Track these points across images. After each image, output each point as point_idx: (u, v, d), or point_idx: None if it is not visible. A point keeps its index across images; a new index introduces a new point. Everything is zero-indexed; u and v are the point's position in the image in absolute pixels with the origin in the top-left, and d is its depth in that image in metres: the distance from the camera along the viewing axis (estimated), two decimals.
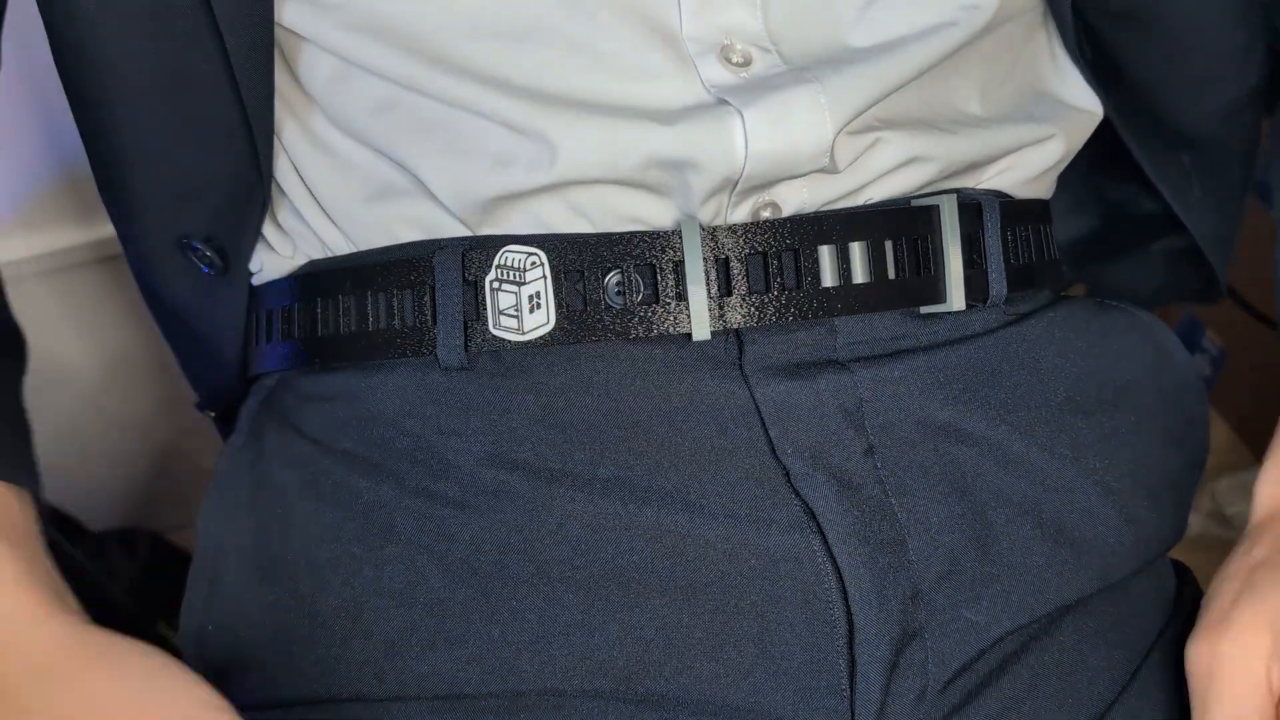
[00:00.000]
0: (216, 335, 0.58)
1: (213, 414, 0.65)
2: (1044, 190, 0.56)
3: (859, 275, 0.47)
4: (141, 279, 0.59)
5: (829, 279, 0.47)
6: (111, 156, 0.53)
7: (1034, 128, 0.52)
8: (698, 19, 0.45)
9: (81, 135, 0.54)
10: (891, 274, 0.47)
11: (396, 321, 0.49)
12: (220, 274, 0.54)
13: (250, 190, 0.51)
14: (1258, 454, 1.15)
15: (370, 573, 0.48)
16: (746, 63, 0.46)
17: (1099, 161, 0.62)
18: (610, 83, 0.45)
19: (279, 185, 0.52)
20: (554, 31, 0.45)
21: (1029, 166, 0.52)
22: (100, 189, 0.56)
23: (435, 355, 0.48)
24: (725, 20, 0.46)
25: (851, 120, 0.45)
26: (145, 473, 1.15)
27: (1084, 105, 0.54)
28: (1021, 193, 0.53)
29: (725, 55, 0.46)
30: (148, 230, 0.55)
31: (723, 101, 0.45)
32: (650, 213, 0.47)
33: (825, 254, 0.47)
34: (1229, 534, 1.09)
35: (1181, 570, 0.57)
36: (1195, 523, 1.08)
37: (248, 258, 0.54)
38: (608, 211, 0.47)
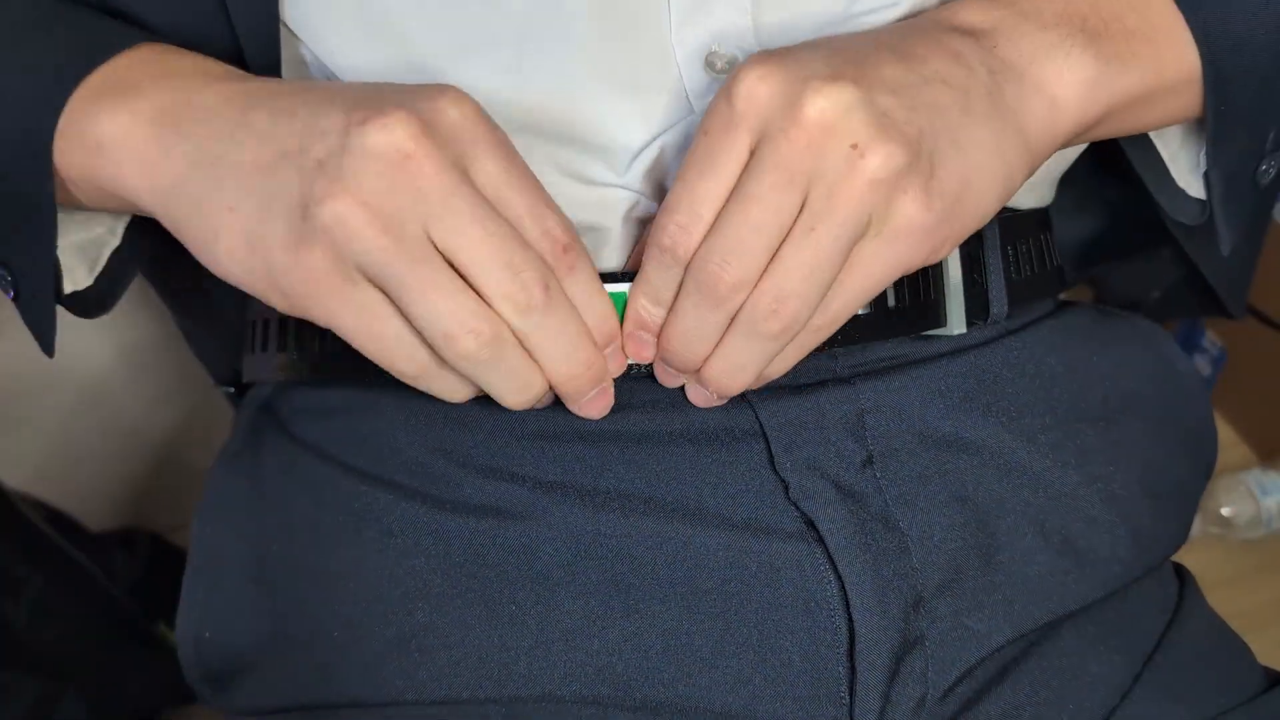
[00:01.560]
0: (220, 291, 0.58)
1: (231, 389, 0.65)
2: (1043, 197, 0.55)
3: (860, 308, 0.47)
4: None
5: None
6: None
7: None
8: (688, 22, 0.44)
9: None
10: (891, 303, 0.47)
11: None
12: None
13: None
14: (1258, 454, 1.15)
15: (369, 578, 0.48)
16: (730, 67, 0.46)
17: (1101, 163, 0.61)
18: (596, 102, 0.44)
19: None
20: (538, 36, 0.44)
21: None
22: None
23: None
24: (714, 23, 0.44)
25: None
26: (145, 473, 1.15)
27: None
28: (1020, 202, 0.53)
29: (710, 62, 0.45)
30: None
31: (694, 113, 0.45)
32: None
33: None
34: (1228, 534, 1.09)
35: (1182, 573, 0.57)
36: (1195, 523, 1.08)
37: None
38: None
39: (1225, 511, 1.09)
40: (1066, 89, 0.43)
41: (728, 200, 0.40)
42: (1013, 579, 0.48)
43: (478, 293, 0.39)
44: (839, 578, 0.45)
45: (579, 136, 0.45)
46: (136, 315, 1.06)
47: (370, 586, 0.48)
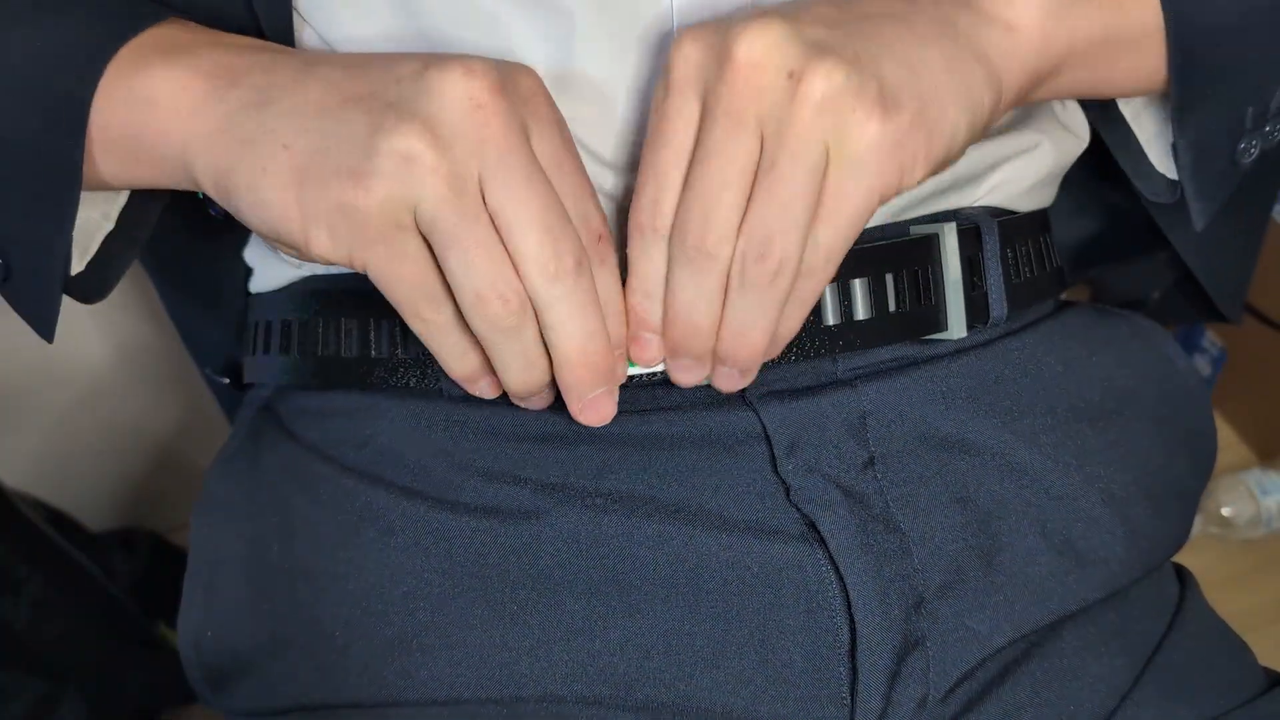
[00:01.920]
0: (217, 279, 0.58)
1: (226, 380, 0.65)
2: (1043, 200, 0.55)
3: (860, 311, 0.46)
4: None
5: (831, 317, 0.46)
6: None
7: (1019, 136, 0.51)
8: (690, 8, 0.44)
9: None
10: (892, 306, 0.47)
11: (400, 351, 0.48)
12: (224, 219, 0.54)
13: None
14: (1258, 454, 1.15)
15: (370, 578, 0.48)
16: None
17: (1099, 167, 0.61)
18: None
19: None
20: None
21: (1022, 179, 0.52)
22: None
23: (439, 387, 0.48)
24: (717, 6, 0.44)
25: None
26: (145, 473, 1.15)
27: (1071, 126, 0.54)
28: (1020, 205, 0.53)
29: None
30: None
31: None
32: None
33: (827, 292, 0.46)
34: (1228, 534, 1.09)
35: (1183, 574, 0.57)
36: (1195, 523, 1.08)
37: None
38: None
39: (1225, 511, 1.09)
40: (1022, 14, 0.42)
41: (690, 164, 0.40)
42: (1014, 579, 0.48)
43: (511, 255, 0.39)
44: (840, 579, 0.45)
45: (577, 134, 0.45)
46: (136, 315, 1.06)
47: (370, 586, 0.48)
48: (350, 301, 0.50)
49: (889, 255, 0.47)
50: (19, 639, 0.86)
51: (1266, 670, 0.54)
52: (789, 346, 0.46)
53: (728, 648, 0.46)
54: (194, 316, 0.64)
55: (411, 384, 0.48)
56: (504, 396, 0.46)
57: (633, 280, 0.42)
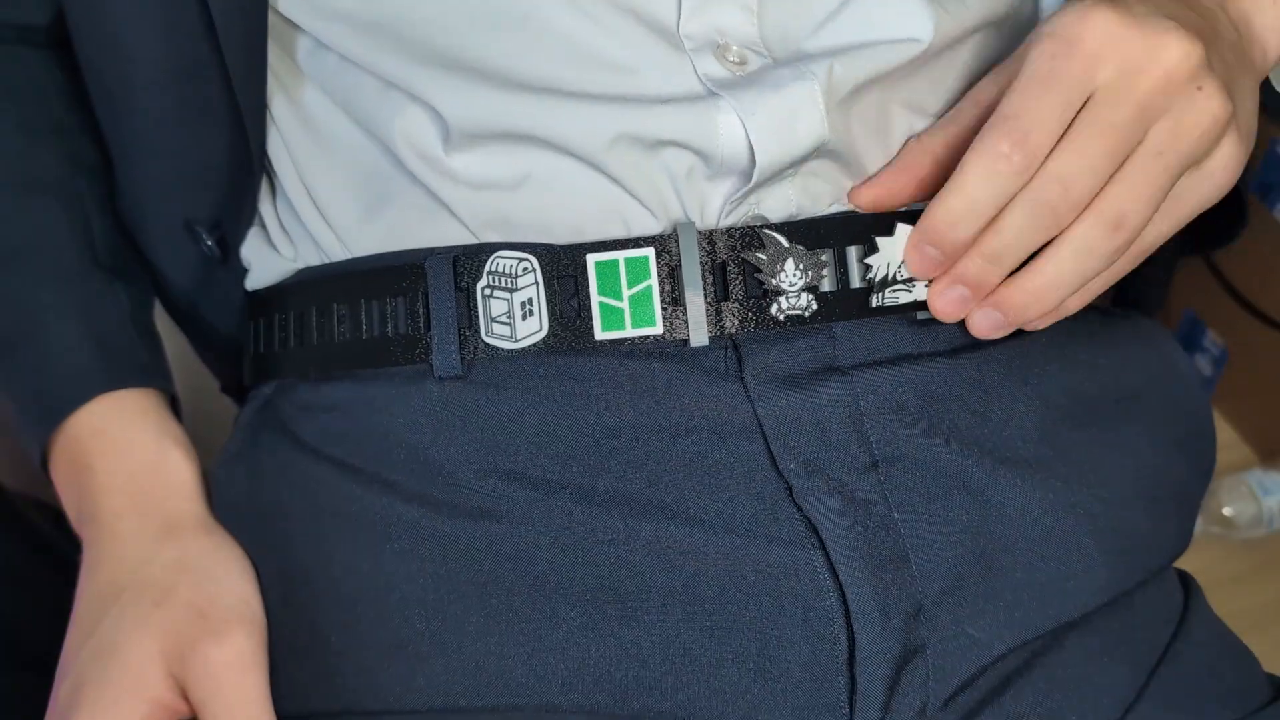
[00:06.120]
0: (216, 319, 0.59)
1: (237, 398, 0.65)
2: None
3: (856, 280, 0.46)
4: (145, 265, 0.60)
5: (826, 284, 0.46)
6: (128, 140, 0.54)
7: None
8: (696, 16, 0.45)
9: (100, 121, 0.55)
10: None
11: (390, 329, 0.48)
12: (219, 263, 0.55)
13: (244, 178, 0.51)
14: (1259, 454, 1.15)
15: (366, 582, 0.47)
16: (742, 62, 0.46)
17: None
18: (604, 76, 0.45)
19: (280, 183, 0.52)
20: (549, 24, 0.44)
21: None
22: (114, 173, 0.57)
23: (430, 363, 0.47)
24: (721, 20, 0.45)
25: (847, 96, 0.46)
26: None
27: None
28: None
29: (721, 54, 0.45)
30: (158, 213, 0.55)
31: (714, 94, 0.45)
32: (641, 217, 0.46)
33: (822, 258, 0.46)
34: (1229, 534, 1.09)
35: (1187, 581, 0.57)
36: (1196, 523, 1.08)
37: (240, 246, 0.55)
38: (602, 211, 0.46)
39: (1227, 511, 1.09)
40: (1273, 36, 0.48)
41: (1078, 125, 0.42)
42: (1013, 585, 0.47)
43: None
44: (839, 586, 0.45)
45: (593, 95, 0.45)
46: None
47: (366, 591, 0.47)
48: (341, 285, 0.50)
49: (883, 224, 0.47)
50: (21, 640, 0.86)
51: (1272, 679, 0.53)
52: (787, 317, 0.46)
53: (725, 656, 0.45)
54: (198, 338, 0.65)
55: (402, 360, 0.48)
56: (499, 383, 0.46)
57: (958, 195, 0.43)
